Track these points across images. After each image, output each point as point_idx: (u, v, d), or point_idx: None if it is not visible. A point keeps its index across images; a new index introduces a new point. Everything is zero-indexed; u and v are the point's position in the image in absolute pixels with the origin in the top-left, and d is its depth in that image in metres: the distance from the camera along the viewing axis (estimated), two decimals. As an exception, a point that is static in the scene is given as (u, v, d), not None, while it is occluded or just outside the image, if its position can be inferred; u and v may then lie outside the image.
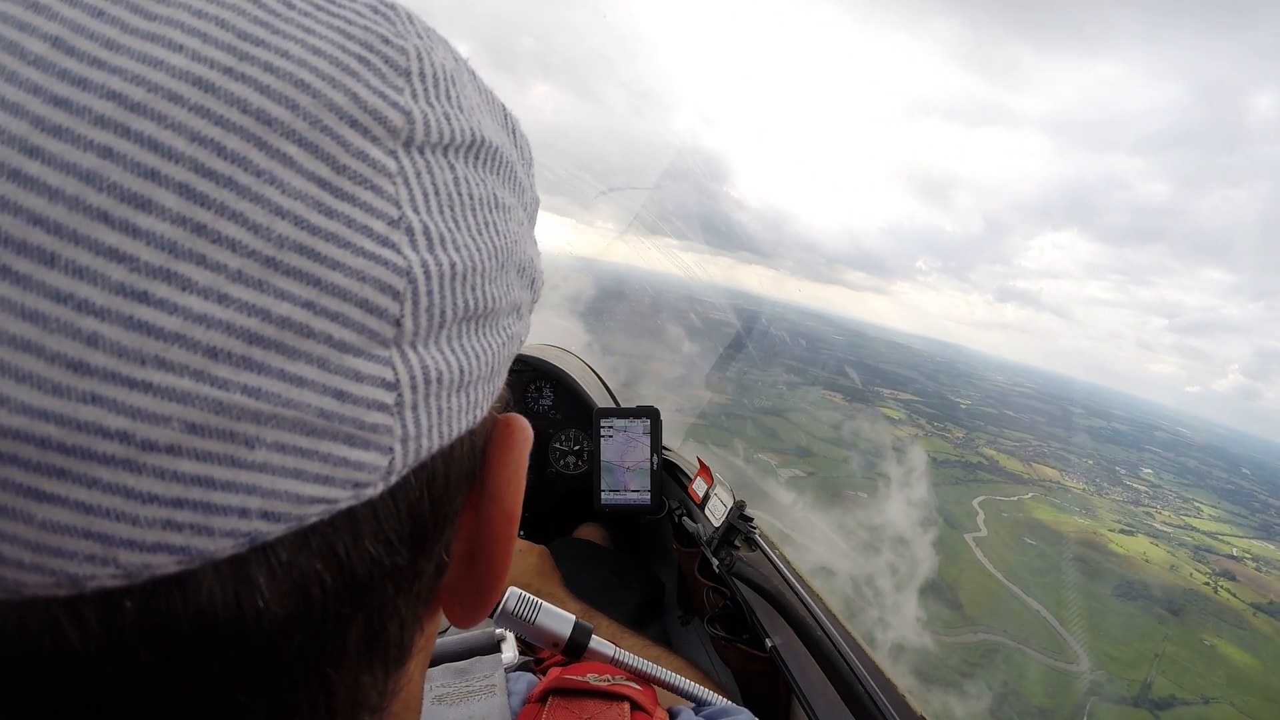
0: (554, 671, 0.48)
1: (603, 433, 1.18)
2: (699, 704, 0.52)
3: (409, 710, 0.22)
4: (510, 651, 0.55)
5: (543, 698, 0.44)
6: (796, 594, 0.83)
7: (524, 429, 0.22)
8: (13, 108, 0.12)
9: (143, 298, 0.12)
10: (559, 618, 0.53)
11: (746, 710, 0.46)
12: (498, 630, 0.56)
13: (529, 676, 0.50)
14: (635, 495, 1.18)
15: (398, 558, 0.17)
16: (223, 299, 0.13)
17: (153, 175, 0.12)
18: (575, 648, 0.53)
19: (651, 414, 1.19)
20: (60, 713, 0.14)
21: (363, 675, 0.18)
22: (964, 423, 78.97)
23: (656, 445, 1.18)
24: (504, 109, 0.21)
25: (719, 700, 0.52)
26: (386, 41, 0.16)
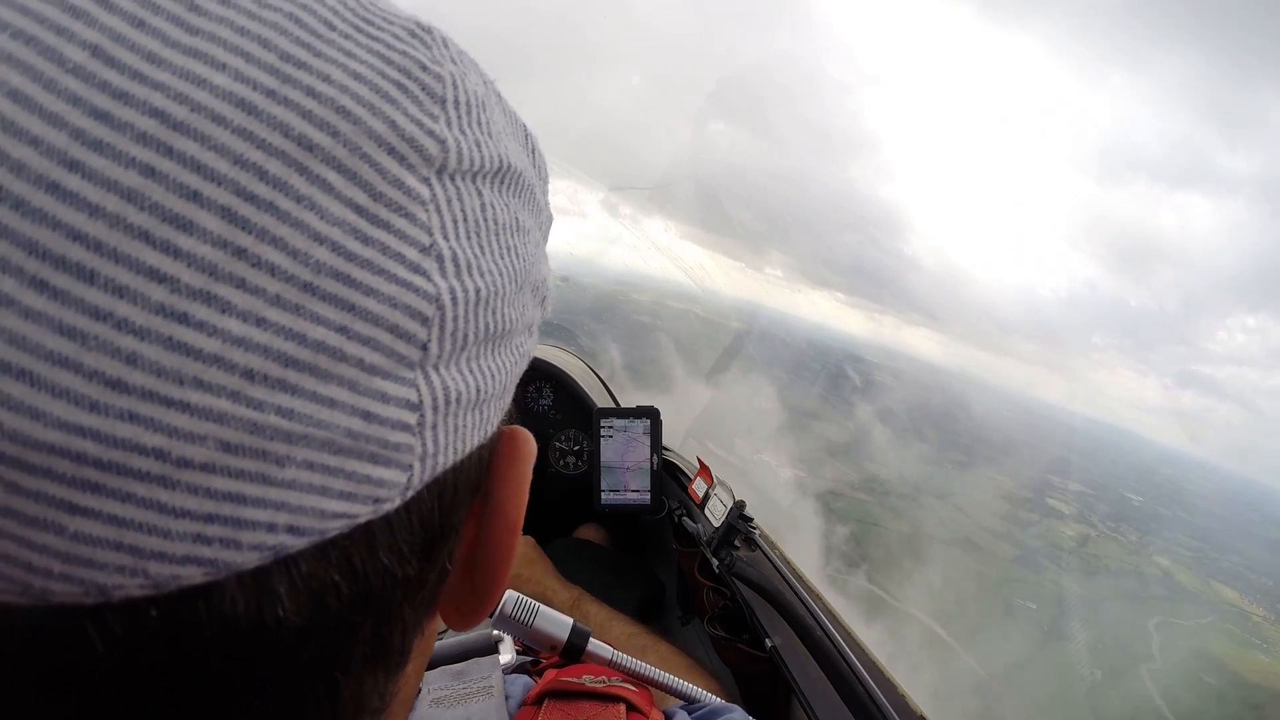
0: (550, 673, 0.49)
1: (603, 433, 1.20)
2: (692, 703, 0.52)
3: (404, 708, 0.23)
4: (508, 653, 0.55)
5: (538, 700, 0.45)
6: (796, 594, 0.82)
7: (528, 442, 0.23)
8: (52, 118, 0.12)
9: (183, 319, 0.12)
10: (556, 621, 0.53)
11: (739, 708, 0.46)
12: (495, 632, 0.57)
13: (525, 679, 0.50)
14: (635, 495, 1.20)
15: (408, 568, 0.18)
16: (260, 322, 0.13)
17: (195, 197, 0.12)
18: (573, 650, 0.53)
19: (651, 414, 1.21)
20: (80, 713, 0.14)
21: (366, 678, 0.18)
22: (1137, 524, 73.08)
23: (656, 445, 1.20)
24: (525, 130, 0.22)
25: (712, 699, 0.52)
26: (424, 68, 0.16)
